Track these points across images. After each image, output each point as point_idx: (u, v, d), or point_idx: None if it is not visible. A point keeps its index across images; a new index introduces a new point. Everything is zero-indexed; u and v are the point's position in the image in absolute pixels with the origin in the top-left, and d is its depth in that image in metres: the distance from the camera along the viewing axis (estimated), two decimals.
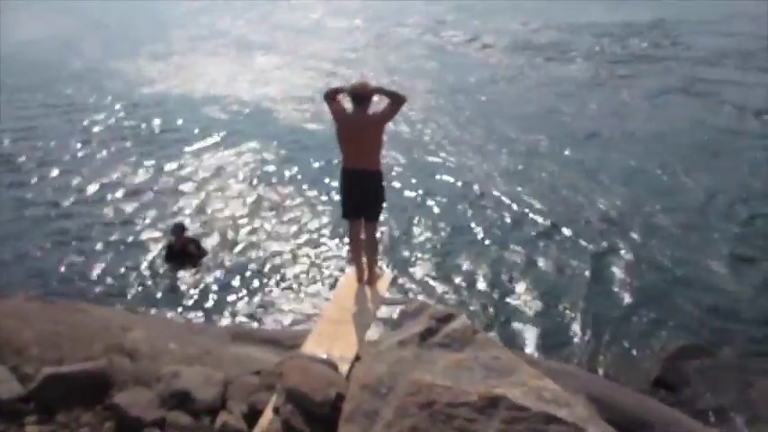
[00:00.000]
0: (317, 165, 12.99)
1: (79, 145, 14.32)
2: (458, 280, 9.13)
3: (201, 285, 9.03)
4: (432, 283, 9.09)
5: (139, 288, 8.98)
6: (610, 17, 26.31)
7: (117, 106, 16.96)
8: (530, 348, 7.73)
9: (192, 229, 10.28)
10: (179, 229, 9.61)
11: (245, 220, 10.81)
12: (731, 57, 20.33)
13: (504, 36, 24.84)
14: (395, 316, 7.62)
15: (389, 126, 5.80)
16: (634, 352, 7.70)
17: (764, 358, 7.52)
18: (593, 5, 28.56)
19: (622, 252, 9.72)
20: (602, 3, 28.69)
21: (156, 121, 15.79)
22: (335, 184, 11.67)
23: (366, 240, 6.02)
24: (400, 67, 20.90)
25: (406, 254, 9.74)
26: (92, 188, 12.00)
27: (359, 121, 5.59)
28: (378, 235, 6.32)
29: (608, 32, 24.21)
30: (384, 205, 6.03)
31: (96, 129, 15.29)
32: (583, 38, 23.80)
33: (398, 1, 32.50)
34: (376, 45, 24.67)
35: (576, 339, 7.92)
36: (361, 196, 5.82)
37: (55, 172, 12.77)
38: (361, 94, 5.57)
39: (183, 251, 9.48)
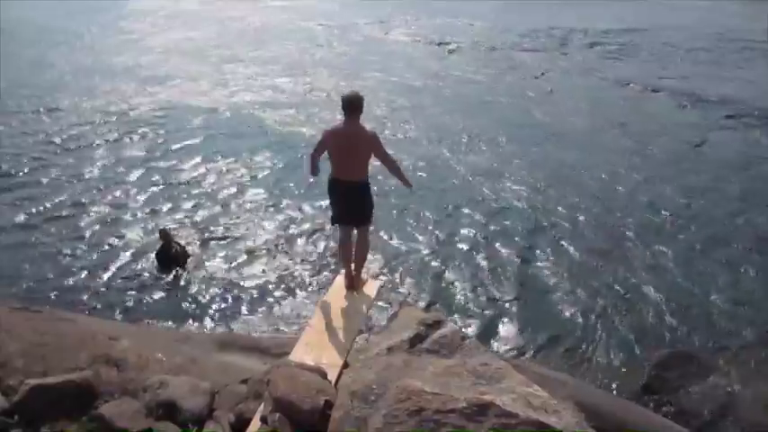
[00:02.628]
0: (305, 169, 12.95)
1: (61, 155, 14.09)
2: (446, 286, 9.14)
3: (189, 293, 8.95)
4: (420, 288, 9.09)
5: (127, 296, 8.87)
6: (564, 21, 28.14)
7: (99, 116, 16.69)
8: (519, 355, 7.74)
9: (180, 234, 10.22)
10: (166, 234, 9.56)
11: (232, 227, 10.73)
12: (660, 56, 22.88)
13: (452, 37, 26.33)
14: (383, 322, 7.69)
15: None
16: (622, 359, 7.73)
17: (751, 365, 7.59)
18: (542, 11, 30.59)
19: (609, 258, 9.80)
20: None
21: (141, 131, 15.60)
22: (324, 189, 11.84)
23: (357, 244, 6.12)
24: (351, 67, 21.81)
25: (394, 260, 9.73)
26: (77, 197, 11.85)
27: (351, 134, 5.67)
28: (369, 238, 6.38)
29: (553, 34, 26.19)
30: (372, 211, 6.15)
31: (80, 140, 14.97)
32: (523, 39, 25.72)
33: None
34: (336, 45, 25.49)
35: (564, 346, 7.94)
36: (350, 206, 5.92)
37: (40, 181, 12.60)
38: (353, 104, 5.69)
39: (174, 256, 9.46)
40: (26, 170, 13.08)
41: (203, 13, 32.02)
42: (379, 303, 8.25)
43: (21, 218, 11.07)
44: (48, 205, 11.52)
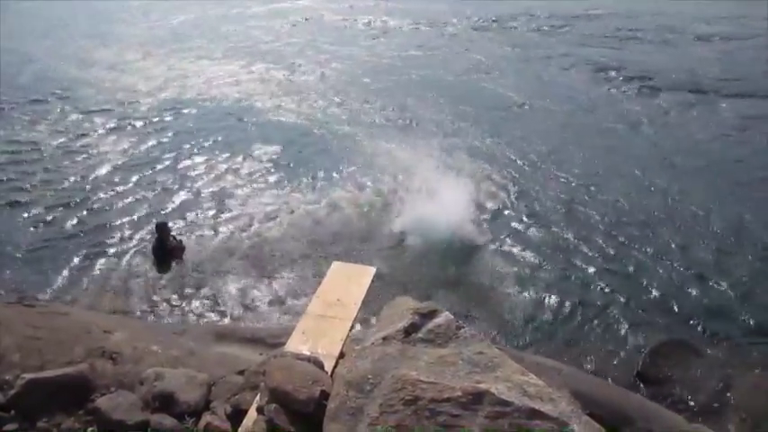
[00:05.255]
0: (298, 159, 13.07)
1: (52, 150, 14.02)
2: (440, 275, 9.14)
3: (184, 285, 8.94)
4: (415, 278, 9.09)
5: (122, 289, 8.86)
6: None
7: (88, 111, 16.58)
8: (514, 343, 7.77)
9: (175, 228, 10.20)
10: (164, 227, 9.56)
11: (228, 219, 10.73)
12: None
13: (404, 19, 27.05)
14: (379, 312, 7.67)
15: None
16: (617, 347, 7.77)
17: (743, 353, 7.64)
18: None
19: (603, 247, 9.82)
20: None
21: (131, 125, 15.51)
22: (319, 178, 12.01)
23: None
24: (313, 53, 22.23)
25: (389, 249, 9.73)
26: (71, 192, 11.82)
27: None
28: None
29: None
30: None
31: (70, 136, 14.85)
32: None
33: None
34: (295, 32, 25.81)
35: (559, 335, 7.98)
36: None
37: (32, 177, 12.56)
38: None
39: (170, 249, 9.46)
40: (17, 169, 13.00)
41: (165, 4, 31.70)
42: (375, 293, 8.26)
43: (13, 212, 11.04)
44: (41, 200, 11.48)
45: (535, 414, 3.28)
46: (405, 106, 16.26)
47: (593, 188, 11.64)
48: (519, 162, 12.83)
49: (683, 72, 18.27)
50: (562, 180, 12.03)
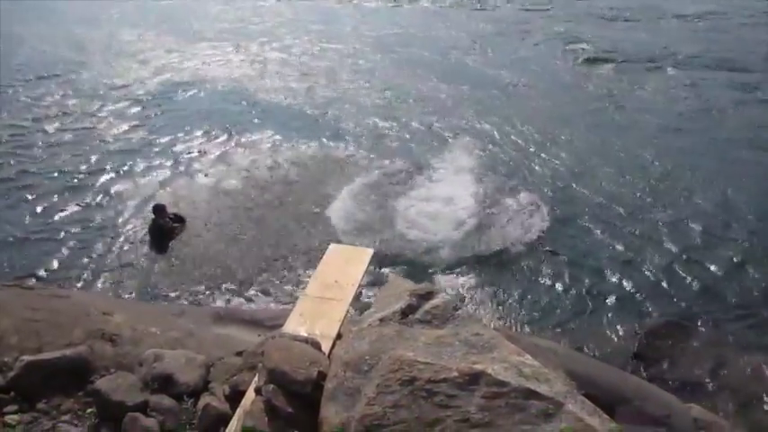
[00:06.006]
0: (296, 141, 13.01)
1: (53, 131, 14.00)
2: (438, 256, 9.15)
3: (182, 267, 8.95)
4: (412, 259, 9.10)
5: (120, 271, 8.88)
6: None
7: (83, 93, 16.39)
8: (510, 324, 7.81)
9: (173, 209, 10.16)
10: (160, 208, 9.57)
11: (224, 202, 10.70)
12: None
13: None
14: (376, 293, 7.72)
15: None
16: (613, 328, 7.81)
17: (738, 334, 7.70)
18: None
19: (600, 229, 9.83)
20: None
21: (126, 105, 15.36)
22: (314, 160, 12.01)
23: None
24: (317, 30, 22.10)
25: (386, 231, 9.74)
26: (69, 172, 11.76)
27: None
28: None
29: None
30: None
31: (66, 116, 14.77)
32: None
33: None
34: (288, 9, 25.51)
35: (556, 316, 8.02)
36: None
37: (30, 157, 12.52)
38: None
39: (168, 231, 9.50)
40: (13, 148, 12.94)
41: None
42: (373, 275, 8.29)
43: (11, 194, 11.01)
44: (38, 181, 11.44)
45: (531, 394, 3.32)
46: (390, 86, 16.26)
47: (577, 169, 11.64)
48: (501, 143, 12.82)
49: (666, 50, 18.28)
50: (548, 161, 12.00)
